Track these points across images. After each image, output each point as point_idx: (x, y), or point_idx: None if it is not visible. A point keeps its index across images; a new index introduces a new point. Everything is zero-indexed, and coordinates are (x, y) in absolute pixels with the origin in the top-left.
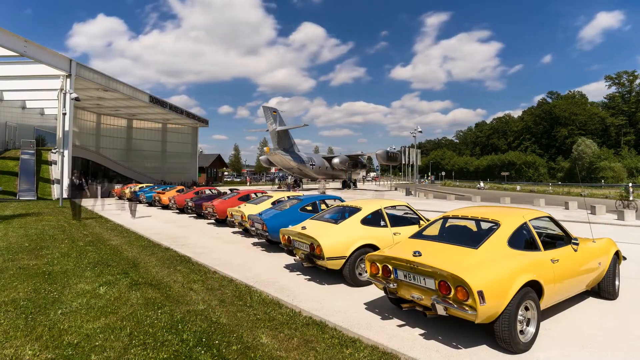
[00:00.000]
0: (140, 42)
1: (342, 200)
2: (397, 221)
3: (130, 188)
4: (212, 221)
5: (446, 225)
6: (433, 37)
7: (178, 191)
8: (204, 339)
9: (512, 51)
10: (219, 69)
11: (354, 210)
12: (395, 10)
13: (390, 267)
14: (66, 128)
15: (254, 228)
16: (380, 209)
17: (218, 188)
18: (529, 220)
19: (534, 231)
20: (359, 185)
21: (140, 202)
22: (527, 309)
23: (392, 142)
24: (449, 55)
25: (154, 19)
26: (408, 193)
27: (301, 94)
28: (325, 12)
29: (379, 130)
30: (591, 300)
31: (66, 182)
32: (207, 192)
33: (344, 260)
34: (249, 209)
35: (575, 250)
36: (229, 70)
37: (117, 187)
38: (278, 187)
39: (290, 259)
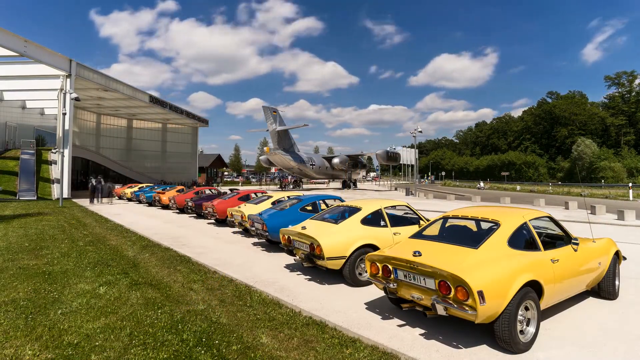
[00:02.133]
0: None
1: (342, 200)
2: (397, 221)
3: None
4: (212, 221)
5: (446, 225)
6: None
7: (178, 191)
8: (204, 339)
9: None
10: (254, 65)
11: (354, 210)
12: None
13: (390, 267)
14: (66, 128)
15: (254, 228)
16: (380, 209)
17: (218, 188)
18: (529, 220)
19: (534, 231)
20: (359, 185)
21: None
22: (527, 309)
23: (406, 142)
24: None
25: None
26: (408, 193)
27: (334, 93)
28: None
29: (398, 130)
30: (591, 300)
31: (66, 182)
32: (207, 192)
33: (344, 260)
34: (249, 209)
35: (575, 250)
36: (260, 66)
37: (118, 187)
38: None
39: (290, 259)
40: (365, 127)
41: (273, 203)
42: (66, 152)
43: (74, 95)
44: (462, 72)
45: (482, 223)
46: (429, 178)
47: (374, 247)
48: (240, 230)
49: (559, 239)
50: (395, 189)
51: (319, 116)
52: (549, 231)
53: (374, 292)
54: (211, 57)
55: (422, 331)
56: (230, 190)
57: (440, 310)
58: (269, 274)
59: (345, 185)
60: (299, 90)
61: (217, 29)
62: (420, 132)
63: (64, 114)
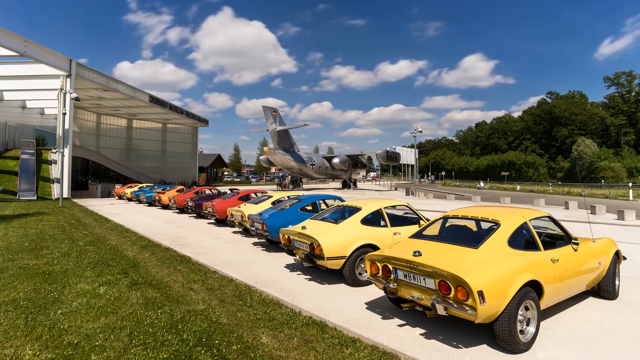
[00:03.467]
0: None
1: (342, 200)
2: (397, 221)
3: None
4: (212, 221)
5: (446, 225)
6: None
7: (178, 191)
8: (204, 339)
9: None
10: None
11: (354, 210)
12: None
13: (390, 267)
14: (66, 127)
15: (254, 228)
16: (380, 209)
17: (218, 188)
18: (529, 220)
19: (534, 231)
20: (359, 185)
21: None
22: (527, 308)
23: (411, 141)
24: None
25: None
26: (408, 193)
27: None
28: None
29: (405, 130)
30: (591, 300)
31: (66, 181)
32: (207, 192)
33: (344, 260)
34: (249, 209)
35: (575, 250)
36: (281, 65)
37: (118, 187)
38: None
39: (290, 259)
40: (376, 127)
41: (273, 203)
42: (66, 152)
43: (74, 95)
44: (482, 72)
45: (482, 223)
46: (429, 178)
47: (374, 247)
48: (240, 230)
49: (559, 238)
50: (395, 189)
51: (332, 115)
52: (549, 231)
53: (374, 292)
54: (229, 53)
55: (422, 331)
56: (230, 190)
57: (440, 310)
58: (269, 274)
59: (345, 185)
60: (313, 90)
61: (236, 24)
62: (420, 131)
63: (64, 114)
